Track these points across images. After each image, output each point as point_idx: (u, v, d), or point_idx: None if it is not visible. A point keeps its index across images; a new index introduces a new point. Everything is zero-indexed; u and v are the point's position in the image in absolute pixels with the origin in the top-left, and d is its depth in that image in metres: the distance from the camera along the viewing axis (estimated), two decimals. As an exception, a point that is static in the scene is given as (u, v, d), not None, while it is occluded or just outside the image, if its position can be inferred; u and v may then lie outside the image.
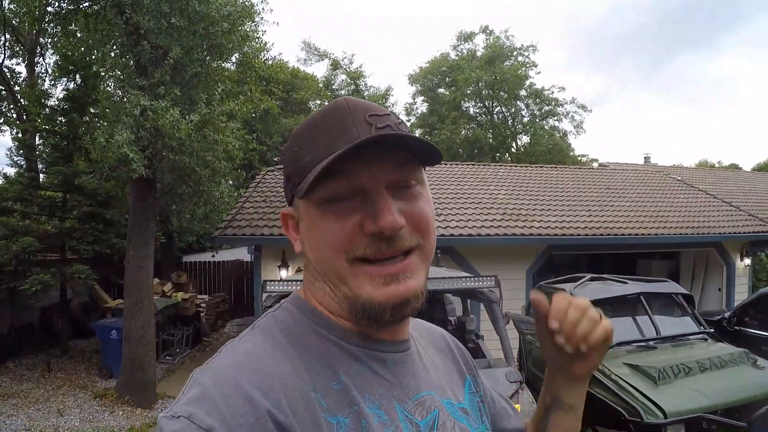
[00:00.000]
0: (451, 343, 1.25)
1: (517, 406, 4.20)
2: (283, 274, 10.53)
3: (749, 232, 13.22)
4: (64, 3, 10.45)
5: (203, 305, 15.83)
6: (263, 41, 13.96)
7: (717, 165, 51.59)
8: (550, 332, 1.05)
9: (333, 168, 0.87)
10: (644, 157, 28.82)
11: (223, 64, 11.63)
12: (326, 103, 1.04)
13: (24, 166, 13.61)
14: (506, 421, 1.24)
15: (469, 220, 11.75)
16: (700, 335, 7.28)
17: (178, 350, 12.85)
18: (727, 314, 9.89)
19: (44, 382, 10.89)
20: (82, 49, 12.25)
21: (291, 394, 0.82)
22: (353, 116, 0.93)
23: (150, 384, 9.81)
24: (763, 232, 13.31)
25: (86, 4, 10.14)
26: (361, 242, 0.90)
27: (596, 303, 6.58)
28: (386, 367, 0.98)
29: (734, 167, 44.18)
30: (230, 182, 12.71)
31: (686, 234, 12.41)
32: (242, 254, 18.61)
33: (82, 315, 14.38)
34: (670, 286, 7.92)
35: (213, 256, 20.03)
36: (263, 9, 11.69)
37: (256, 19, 11.57)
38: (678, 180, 17.91)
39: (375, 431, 0.88)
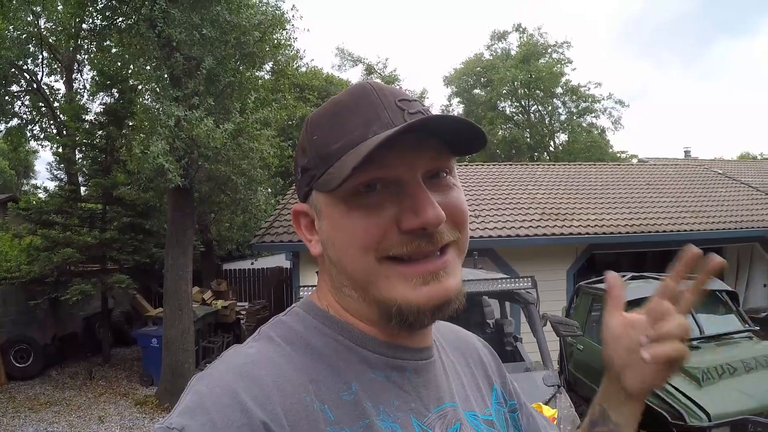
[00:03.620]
0: (480, 348, 1.15)
1: (554, 411, 4.12)
2: (321, 279, 10.49)
3: (795, 225, 12.86)
4: (98, 20, 10.63)
5: (243, 312, 15.96)
6: (295, 49, 14.03)
7: (759, 157, 50.38)
8: (621, 323, 0.95)
9: (368, 158, 0.76)
10: (684, 151, 28.48)
11: (256, 73, 11.69)
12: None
13: (64, 180, 13.85)
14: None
15: (507, 220, 11.65)
16: (745, 333, 7.04)
17: (218, 357, 12.92)
18: (773, 311, 9.62)
19: (86, 390, 11.06)
20: (118, 63, 12.45)
21: (290, 405, 0.76)
22: (382, 100, 0.85)
23: (190, 391, 9.89)
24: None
25: (119, 19, 10.30)
26: (395, 240, 0.81)
27: (638, 302, 6.47)
28: (405, 376, 0.89)
29: (778, 158, 43.18)
30: (268, 190, 12.75)
31: (729, 228, 12.13)
32: (281, 261, 18.64)
33: (124, 324, 14.60)
34: (713, 283, 7.67)
35: (252, 263, 20.21)
36: (293, 16, 11.67)
37: (287, 27, 11.59)
38: (719, 173, 17.54)
39: None
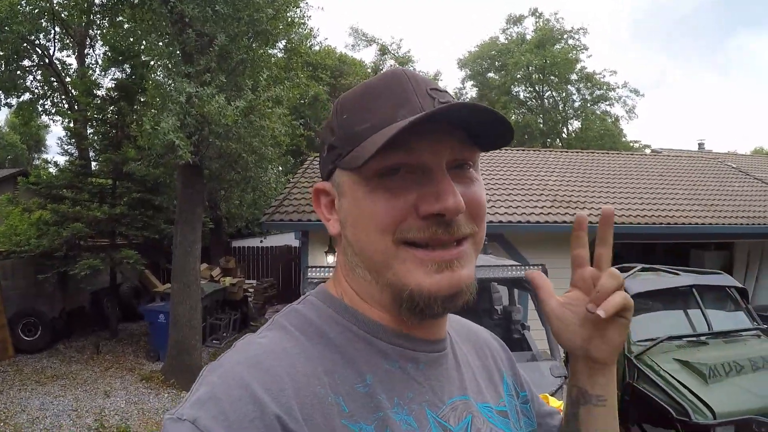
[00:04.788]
0: (490, 341, 1.16)
1: (560, 402, 4.07)
2: (330, 260, 10.50)
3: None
4: (109, -5, 10.59)
5: (251, 290, 16.00)
6: (309, 27, 13.94)
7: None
8: (557, 306, 0.99)
9: (395, 139, 0.76)
10: (698, 143, 28.32)
11: (269, 51, 11.62)
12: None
13: (75, 155, 13.85)
14: (555, 419, 1.16)
15: (519, 206, 11.59)
16: (754, 331, 6.96)
17: (225, 334, 12.99)
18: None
19: (93, 364, 11.12)
20: (131, 39, 12.42)
21: (304, 398, 0.75)
22: (414, 86, 0.84)
23: (196, 367, 9.90)
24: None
25: (132, -6, 10.26)
26: (413, 224, 0.81)
27: (648, 294, 6.41)
28: (419, 368, 0.89)
29: (793, 154, 42.92)
30: (278, 168, 12.72)
31: (741, 224, 12.04)
32: (290, 239, 18.64)
33: (132, 299, 14.67)
34: (723, 279, 7.61)
35: (261, 241, 20.27)
36: (307, -7, 11.58)
37: (301, 5, 11.50)
38: (733, 167, 17.41)
39: None
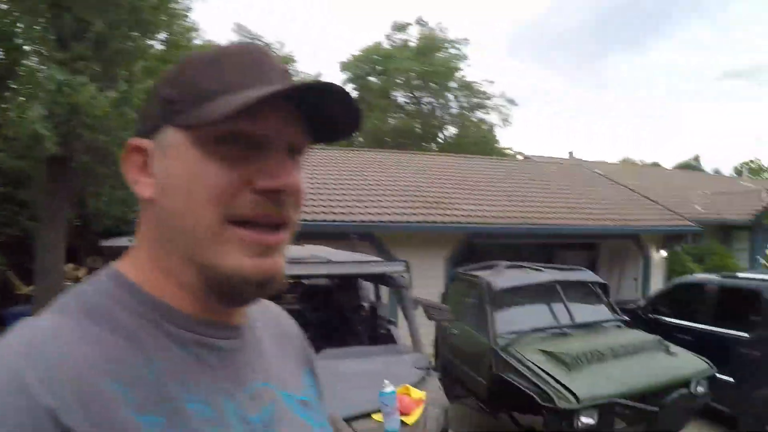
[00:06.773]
0: (293, 329, 1.12)
1: (422, 393, 4.20)
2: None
3: (666, 226, 13.63)
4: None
5: (121, 290, 15.46)
6: (192, 21, 13.64)
7: (639, 163, 52.99)
8: None
9: (255, 104, 0.72)
10: (569, 153, 29.40)
11: (147, 41, 11.26)
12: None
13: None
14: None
15: (390, 206, 11.82)
16: (614, 323, 7.43)
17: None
18: (641, 303, 10.11)
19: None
20: (7, 21, 11.78)
21: (82, 387, 0.67)
22: (271, 65, 0.82)
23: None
24: (679, 226, 13.75)
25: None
26: (245, 199, 0.77)
27: (513, 290, 6.68)
28: (215, 354, 0.83)
29: (656, 165, 45.70)
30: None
31: (605, 225, 12.70)
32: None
33: (-7, 302, 13.84)
34: (585, 275, 8.05)
35: (130, 240, 19.56)
36: (192, -16, 11.33)
37: (185, -3, 11.25)
38: (600, 174, 18.30)
39: (197, 430, 0.75)
